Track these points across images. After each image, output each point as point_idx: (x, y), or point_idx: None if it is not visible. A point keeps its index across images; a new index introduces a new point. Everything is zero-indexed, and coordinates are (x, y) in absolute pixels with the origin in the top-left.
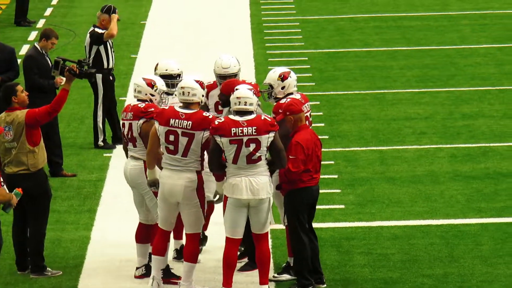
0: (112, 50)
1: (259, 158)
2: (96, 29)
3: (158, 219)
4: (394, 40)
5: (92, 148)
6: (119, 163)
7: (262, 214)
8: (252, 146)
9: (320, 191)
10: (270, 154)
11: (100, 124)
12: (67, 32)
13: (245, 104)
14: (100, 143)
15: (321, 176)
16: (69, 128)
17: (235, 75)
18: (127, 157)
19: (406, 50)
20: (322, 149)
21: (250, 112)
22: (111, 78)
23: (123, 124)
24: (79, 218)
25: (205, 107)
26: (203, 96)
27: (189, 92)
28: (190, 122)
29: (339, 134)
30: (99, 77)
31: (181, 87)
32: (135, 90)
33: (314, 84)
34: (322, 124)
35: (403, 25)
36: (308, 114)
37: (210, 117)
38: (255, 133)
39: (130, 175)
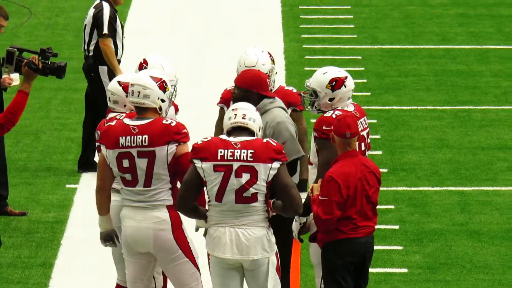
0: (122, 34)
1: (254, 198)
2: (104, 3)
3: (126, 279)
4: (485, 35)
5: (50, 176)
6: (88, 198)
7: (261, 281)
8: (245, 177)
9: (375, 247)
10: (276, 196)
11: None
12: (20, 9)
13: (243, 118)
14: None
15: (377, 226)
16: (18, 147)
17: None
18: None
19: (503, 50)
20: (380, 188)
21: (250, 133)
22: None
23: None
24: (29, 276)
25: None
26: (163, 101)
27: (139, 92)
28: (146, 136)
29: (403, 167)
30: (103, 71)
31: (131, 84)
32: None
33: (369, 94)
34: (379, 152)
35: (500, 13)
36: (365, 133)
37: (174, 124)
38: (251, 159)
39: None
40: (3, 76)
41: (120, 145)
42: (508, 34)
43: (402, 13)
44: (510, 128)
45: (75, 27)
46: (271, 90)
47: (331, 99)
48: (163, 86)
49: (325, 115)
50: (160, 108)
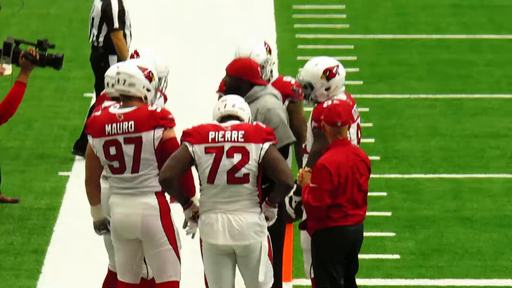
0: (130, 24)
1: (246, 179)
2: None
3: (116, 266)
4: (477, 25)
5: (42, 164)
6: (80, 185)
7: (253, 266)
8: (237, 158)
9: (366, 233)
10: (267, 172)
11: None
12: None
13: (232, 106)
14: None
15: (368, 213)
16: (10, 135)
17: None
18: None
19: (495, 40)
20: (371, 175)
21: (240, 121)
22: None
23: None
24: (21, 263)
25: None
26: (148, 91)
27: (125, 80)
28: (132, 122)
29: (396, 154)
30: (113, 60)
31: (117, 73)
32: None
33: (362, 83)
34: (372, 140)
35: (492, 3)
36: (358, 121)
37: (159, 110)
38: (242, 139)
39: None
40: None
41: (106, 133)
42: (500, 23)
43: (395, 3)
44: (502, 116)
45: (67, 17)
46: (268, 80)
47: (327, 89)
48: (149, 76)
49: (324, 105)
50: (146, 98)
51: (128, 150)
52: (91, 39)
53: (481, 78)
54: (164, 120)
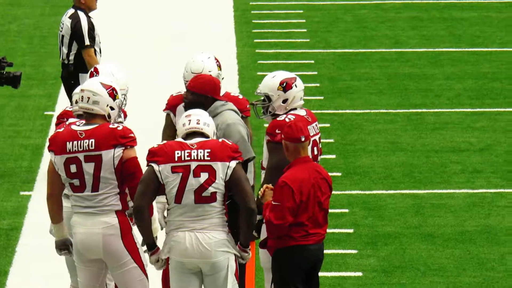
0: (99, 42)
1: (213, 197)
2: (80, 12)
3: (79, 286)
4: (437, 38)
5: (4, 183)
6: (42, 204)
7: (220, 285)
8: (204, 177)
9: (327, 251)
10: (231, 191)
11: None
12: None
13: (197, 123)
14: None
15: (330, 230)
16: None
17: None
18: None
19: (455, 53)
20: (333, 192)
21: (205, 137)
22: None
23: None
24: None
25: (169, 130)
26: (112, 109)
27: (89, 98)
28: (93, 140)
29: (357, 170)
30: (84, 78)
31: (81, 90)
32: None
33: (322, 98)
34: (333, 156)
35: (451, 16)
36: (317, 138)
37: (120, 128)
38: (208, 158)
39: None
40: None
41: (67, 150)
42: (460, 36)
43: (355, 17)
44: (463, 130)
45: (27, 34)
46: None
47: (284, 101)
48: (113, 94)
49: (278, 118)
50: (109, 116)
51: (88, 168)
52: (61, 57)
53: (441, 91)
54: (125, 139)
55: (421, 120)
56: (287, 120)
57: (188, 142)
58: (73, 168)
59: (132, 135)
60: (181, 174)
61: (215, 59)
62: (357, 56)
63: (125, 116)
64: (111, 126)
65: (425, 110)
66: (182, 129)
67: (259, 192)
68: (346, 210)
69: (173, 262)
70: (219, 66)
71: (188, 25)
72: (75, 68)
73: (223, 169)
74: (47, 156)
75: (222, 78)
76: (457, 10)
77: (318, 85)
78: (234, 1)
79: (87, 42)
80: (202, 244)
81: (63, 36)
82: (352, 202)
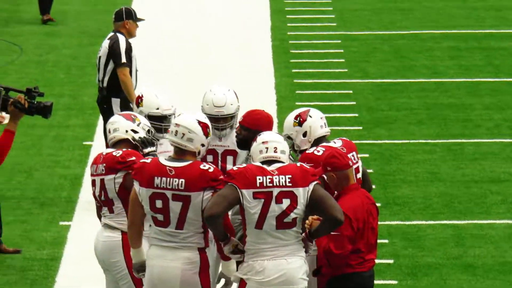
0: (136, 67)
1: (293, 223)
2: (119, 35)
3: None
4: (476, 68)
5: (43, 213)
6: (82, 234)
7: None
8: (286, 203)
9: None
10: (315, 211)
11: None
12: (9, 46)
13: (275, 151)
14: None
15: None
16: (11, 185)
17: (232, 116)
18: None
19: (494, 83)
20: None
21: (281, 163)
22: (131, 106)
23: (93, 181)
24: None
25: None
26: (203, 146)
27: (183, 134)
28: (183, 181)
29: (396, 201)
30: (116, 103)
31: (176, 124)
32: (109, 131)
33: (361, 128)
34: (372, 186)
35: (490, 46)
36: (359, 166)
37: (211, 170)
38: (290, 184)
39: (102, 251)
40: None
41: (155, 185)
42: (498, 66)
43: (392, 47)
44: (503, 161)
45: (65, 64)
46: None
47: (304, 134)
48: (206, 132)
49: (307, 152)
50: (199, 153)
51: (175, 206)
52: (97, 80)
53: (480, 122)
54: (215, 181)
55: (461, 150)
56: (315, 152)
57: (269, 168)
58: (158, 204)
59: (222, 177)
60: (263, 200)
61: (234, 92)
62: (395, 86)
63: None
64: (202, 167)
65: (464, 140)
66: (259, 156)
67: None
68: (386, 241)
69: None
70: (237, 98)
71: (225, 55)
72: (108, 92)
73: (304, 194)
74: (86, 186)
75: (237, 108)
76: (496, 40)
77: (356, 115)
78: (272, 31)
79: (123, 59)
80: (284, 271)
81: (99, 57)
82: (392, 232)
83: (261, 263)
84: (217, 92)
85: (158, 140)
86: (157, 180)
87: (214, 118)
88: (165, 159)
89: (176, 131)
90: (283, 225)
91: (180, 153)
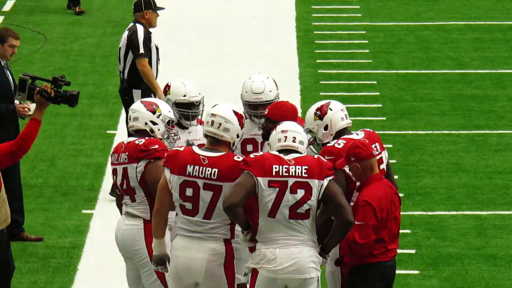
0: (157, 57)
1: (307, 214)
2: (138, 25)
3: None
4: (500, 59)
5: (66, 202)
6: (104, 223)
7: None
8: (300, 193)
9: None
10: (326, 209)
11: None
12: (34, 35)
13: (293, 141)
14: None
15: None
16: (34, 173)
17: (271, 103)
18: (121, 214)
19: None
20: None
21: (299, 153)
22: (153, 96)
23: (115, 170)
24: None
25: None
26: (237, 137)
27: (220, 124)
28: (216, 170)
29: (419, 191)
30: (137, 94)
31: (212, 114)
32: (130, 118)
33: (384, 119)
34: (395, 177)
35: None
36: (383, 156)
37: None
38: (306, 175)
39: (123, 239)
40: (20, 105)
41: (187, 173)
42: None
43: (417, 38)
44: None
45: (89, 53)
46: None
47: (325, 128)
48: (242, 123)
49: (328, 145)
50: (233, 144)
51: (205, 196)
52: (118, 71)
53: (504, 113)
54: None
55: (484, 141)
56: (336, 145)
57: (286, 157)
58: (188, 192)
59: None
60: (277, 189)
61: (273, 79)
62: (419, 77)
63: (202, 124)
64: (236, 158)
65: (487, 131)
66: (277, 144)
67: None
68: (408, 231)
69: (264, 278)
70: (277, 86)
71: (250, 45)
72: (129, 84)
73: (318, 186)
74: (108, 175)
75: (277, 95)
76: None
77: (380, 105)
78: (297, 22)
79: (141, 50)
80: (295, 260)
81: (120, 48)
82: (414, 222)
83: (273, 251)
84: (256, 80)
85: (186, 128)
86: (189, 168)
87: (253, 105)
88: (199, 148)
89: (213, 121)
90: (296, 215)
91: (215, 143)
